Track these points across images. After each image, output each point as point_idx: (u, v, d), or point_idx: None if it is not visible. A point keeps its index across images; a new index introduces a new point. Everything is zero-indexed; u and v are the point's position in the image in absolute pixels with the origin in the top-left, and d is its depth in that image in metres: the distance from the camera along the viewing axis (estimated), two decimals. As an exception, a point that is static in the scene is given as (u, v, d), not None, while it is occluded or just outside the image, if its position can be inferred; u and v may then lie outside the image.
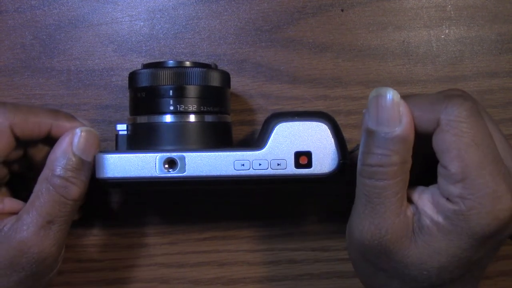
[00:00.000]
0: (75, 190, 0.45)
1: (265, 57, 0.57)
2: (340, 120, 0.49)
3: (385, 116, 0.41)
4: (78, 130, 0.46)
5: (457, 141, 0.40)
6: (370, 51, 0.57)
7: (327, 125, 0.46)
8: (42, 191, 0.45)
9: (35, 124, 0.47)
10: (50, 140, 0.48)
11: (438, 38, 0.57)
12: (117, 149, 0.49)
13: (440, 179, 0.42)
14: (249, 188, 0.56)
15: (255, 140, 0.50)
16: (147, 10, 0.57)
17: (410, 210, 0.43)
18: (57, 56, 0.56)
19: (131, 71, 0.50)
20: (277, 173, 0.46)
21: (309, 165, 0.46)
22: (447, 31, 0.57)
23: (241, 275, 0.57)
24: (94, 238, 0.56)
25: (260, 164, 0.46)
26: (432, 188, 0.43)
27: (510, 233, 0.42)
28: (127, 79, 0.50)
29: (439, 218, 0.41)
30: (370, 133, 0.42)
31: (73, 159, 0.45)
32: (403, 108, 0.41)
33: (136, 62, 0.56)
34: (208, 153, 0.46)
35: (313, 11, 0.57)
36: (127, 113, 0.50)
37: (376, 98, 0.42)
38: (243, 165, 0.46)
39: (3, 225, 0.45)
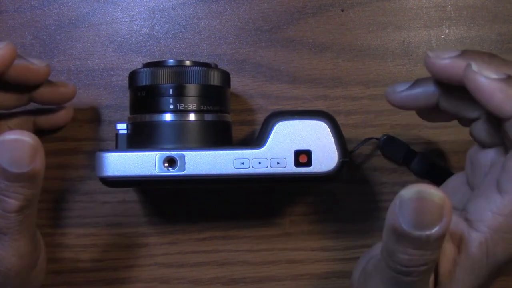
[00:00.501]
0: (13, 203, 0.41)
1: (265, 57, 0.57)
2: (340, 120, 0.49)
3: (426, 220, 0.36)
4: (2, 138, 0.40)
5: None
6: (370, 51, 0.57)
7: (327, 123, 0.46)
8: None
9: None
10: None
11: (438, 38, 0.57)
12: (117, 148, 0.49)
13: (481, 198, 0.40)
14: (249, 187, 0.56)
15: (255, 139, 0.50)
16: (147, 10, 0.57)
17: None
18: (57, 56, 0.56)
19: (131, 70, 0.50)
20: (276, 171, 0.46)
21: (308, 163, 0.46)
22: (447, 31, 0.57)
23: (241, 275, 0.57)
24: (94, 238, 0.56)
25: (260, 163, 0.46)
26: (452, 224, 0.38)
27: None
28: (127, 79, 0.50)
29: (461, 258, 0.39)
30: (403, 235, 0.36)
31: (2, 172, 0.40)
32: (446, 208, 0.36)
33: (136, 62, 0.56)
34: (208, 152, 0.46)
35: (313, 11, 0.57)
36: (127, 113, 0.50)
37: (416, 201, 0.36)
38: (242, 163, 0.46)
39: None
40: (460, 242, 0.39)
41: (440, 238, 0.36)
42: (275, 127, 0.46)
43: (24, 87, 0.49)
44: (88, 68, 0.56)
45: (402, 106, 0.46)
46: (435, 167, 0.54)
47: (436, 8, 0.57)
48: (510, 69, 0.40)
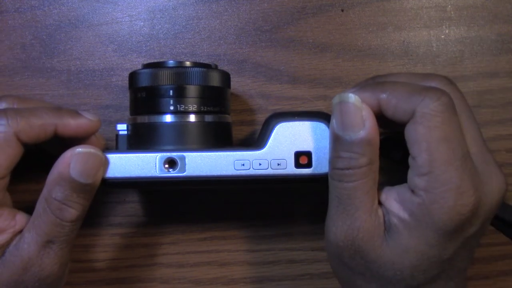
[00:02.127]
0: (72, 212, 0.44)
1: (265, 57, 0.57)
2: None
3: (348, 121, 0.43)
4: (78, 150, 0.44)
5: (428, 134, 0.41)
6: (370, 51, 0.57)
7: (327, 125, 0.46)
8: (40, 211, 0.45)
9: (40, 127, 0.46)
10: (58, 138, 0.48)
11: (438, 38, 0.57)
12: (117, 149, 0.49)
13: (409, 171, 0.43)
14: (249, 188, 0.56)
15: (255, 140, 0.50)
16: (147, 10, 0.57)
17: (381, 210, 0.44)
18: (57, 56, 0.56)
19: (131, 71, 0.50)
20: (277, 173, 0.46)
21: (309, 165, 0.46)
22: (447, 31, 0.57)
23: (241, 275, 0.57)
24: (94, 238, 0.56)
25: (260, 164, 0.46)
26: (399, 186, 0.44)
27: (475, 230, 0.43)
28: (127, 79, 0.50)
29: (405, 215, 0.42)
30: (336, 138, 0.43)
31: (70, 182, 0.44)
32: (365, 112, 0.43)
33: (136, 62, 0.56)
34: (208, 153, 0.46)
35: (313, 11, 0.57)
36: (127, 113, 0.50)
37: (339, 104, 0.43)
38: (243, 165, 0.46)
39: (11, 242, 0.45)
40: (404, 202, 0.43)
41: (365, 142, 0.42)
42: (275, 128, 0.46)
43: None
44: (88, 68, 0.56)
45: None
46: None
47: (436, 8, 0.57)
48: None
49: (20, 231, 0.46)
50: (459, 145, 0.41)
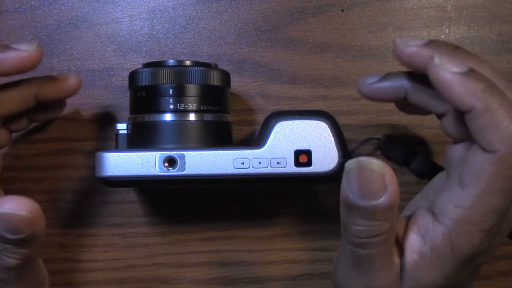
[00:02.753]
0: (10, 262, 0.41)
1: (265, 57, 0.57)
2: (340, 120, 0.49)
3: (370, 190, 0.38)
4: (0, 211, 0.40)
5: (493, 179, 0.38)
6: (370, 51, 0.57)
7: (327, 123, 0.46)
8: None
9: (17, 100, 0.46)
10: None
11: (438, 38, 0.57)
12: (117, 148, 0.49)
13: (446, 191, 0.41)
14: (249, 187, 0.56)
15: (255, 139, 0.50)
16: (147, 10, 0.57)
17: (397, 258, 0.41)
18: (57, 56, 0.56)
19: (131, 71, 0.50)
20: (277, 171, 0.46)
21: (309, 163, 0.46)
22: (447, 31, 0.57)
23: (241, 275, 0.57)
24: (94, 238, 0.56)
25: (260, 163, 0.46)
26: (416, 215, 0.42)
27: (487, 258, 0.42)
28: (127, 79, 0.50)
29: (426, 248, 0.40)
30: (352, 205, 0.39)
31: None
32: (389, 177, 0.38)
33: (136, 62, 0.56)
34: (208, 152, 0.46)
35: (313, 11, 0.57)
36: (127, 113, 0.50)
37: (357, 170, 0.38)
38: (243, 163, 0.46)
39: None
40: (425, 234, 0.40)
41: (388, 208, 0.38)
42: (275, 127, 0.46)
43: (24, 87, 0.48)
44: (88, 68, 0.56)
45: (372, 98, 0.45)
46: (435, 167, 0.54)
47: (436, 8, 0.57)
48: (473, 62, 0.41)
49: None
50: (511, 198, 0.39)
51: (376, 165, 0.38)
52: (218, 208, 0.57)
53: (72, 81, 0.50)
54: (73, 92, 0.50)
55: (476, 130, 0.38)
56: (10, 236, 0.40)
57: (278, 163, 0.46)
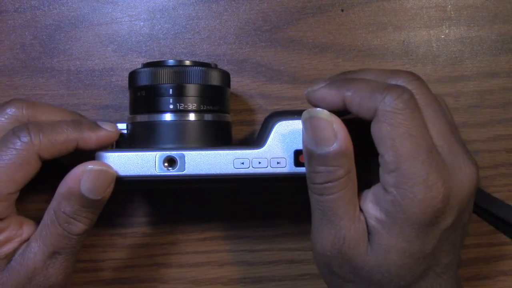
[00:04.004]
0: (80, 226, 0.45)
1: (265, 57, 0.57)
2: (340, 120, 0.49)
3: (321, 136, 0.42)
4: (89, 167, 0.44)
5: (391, 131, 0.41)
6: (370, 51, 0.57)
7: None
8: (48, 222, 0.45)
9: (62, 144, 0.46)
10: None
11: (438, 38, 0.57)
12: (117, 148, 0.49)
13: (380, 169, 0.43)
14: (249, 187, 0.56)
15: (255, 139, 0.50)
16: (147, 10, 0.57)
17: (362, 216, 0.44)
18: (57, 56, 0.56)
19: (131, 70, 0.50)
20: (276, 171, 0.46)
21: (309, 163, 0.46)
22: (447, 31, 0.57)
23: (241, 275, 0.57)
24: (94, 238, 0.56)
25: (259, 163, 0.46)
26: (373, 187, 0.44)
27: (451, 222, 0.43)
28: (127, 79, 0.50)
29: (381, 215, 0.43)
30: (310, 154, 0.43)
31: (79, 198, 0.44)
32: (336, 125, 0.43)
33: (136, 62, 0.56)
34: (208, 152, 0.46)
35: (313, 11, 0.57)
36: (127, 113, 0.50)
37: (309, 120, 0.43)
38: (242, 163, 0.46)
39: (17, 251, 0.45)
40: (379, 203, 0.43)
41: (340, 154, 0.42)
42: (275, 127, 0.46)
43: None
44: (88, 68, 0.56)
45: (315, 105, 0.47)
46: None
47: (436, 8, 0.57)
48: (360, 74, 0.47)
49: (27, 240, 0.46)
50: (423, 140, 0.42)
51: (323, 113, 0.43)
52: (218, 208, 0.57)
53: (114, 132, 0.49)
54: (111, 143, 0.50)
55: (357, 111, 0.43)
56: (91, 196, 0.44)
57: (278, 163, 0.46)
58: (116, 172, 0.45)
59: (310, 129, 0.43)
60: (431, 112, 0.44)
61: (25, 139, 0.45)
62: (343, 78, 0.47)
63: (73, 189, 0.44)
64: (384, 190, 0.43)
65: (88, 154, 0.48)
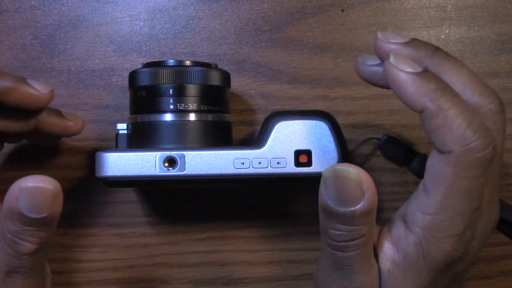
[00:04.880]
0: (27, 246, 0.41)
1: (265, 57, 0.57)
2: (340, 120, 0.49)
3: (347, 197, 0.39)
4: (23, 184, 0.40)
5: (453, 181, 0.38)
6: (370, 51, 0.56)
7: (327, 123, 0.46)
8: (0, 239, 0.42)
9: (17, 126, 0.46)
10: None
11: (438, 38, 0.57)
12: (117, 148, 0.49)
13: (413, 200, 0.41)
14: (249, 187, 0.56)
15: (255, 140, 0.50)
16: (147, 10, 0.57)
17: (376, 263, 0.42)
18: (57, 56, 0.56)
19: (131, 71, 0.50)
20: (277, 171, 0.46)
21: (309, 163, 0.46)
22: (447, 31, 0.57)
23: (241, 275, 0.57)
24: (94, 238, 0.56)
25: (260, 163, 0.46)
26: (391, 223, 0.42)
27: (466, 266, 0.42)
28: (127, 79, 0.50)
29: (399, 257, 0.41)
30: (331, 211, 0.39)
31: (21, 217, 0.40)
32: (366, 184, 0.39)
33: (136, 62, 0.56)
34: (208, 152, 0.46)
35: (313, 11, 0.57)
36: (127, 113, 0.50)
37: (334, 179, 0.39)
38: (243, 163, 0.46)
39: None
40: (398, 243, 0.41)
41: (365, 213, 0.39)
42: (275, 127, 0.46)
43: (27, 112, 0.47)
44: (88, 68, 0.56)
45: (368, 80, 0.45)
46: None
47: (436, 8, 0.57)
48: (450, 65, 0.41)
49: None
50: (478, 199, 0.39)
51: (353, 173, 0.39)
52: (218, 208, 0.57)
53: (76, 124, 0.49)
54: (73, 134, 0.50)
55: (430, 130, 0.38)
56: (32, 215, 0.40)
57: (278, 163, 0.46)
58: (57, 188, 0.41)
59: (333, 187, 0.39)
60: (495, 162, 0.40)
61: None
62: (439, 81, 0.39)
63: (12, 208, 0.40)
64: (406, 228, 0.41)
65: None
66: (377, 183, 0.55)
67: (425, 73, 0.39)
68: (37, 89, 0.46)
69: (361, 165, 0.55)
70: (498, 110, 0.40)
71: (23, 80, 0.46)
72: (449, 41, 0.57)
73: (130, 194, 0.56)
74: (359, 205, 0.39)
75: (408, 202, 0.43)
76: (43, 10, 0.56)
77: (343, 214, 0.39)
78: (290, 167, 0.46)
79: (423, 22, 0.57)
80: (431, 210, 0.39)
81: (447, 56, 0.42)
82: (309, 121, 0.46)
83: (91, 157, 0.54)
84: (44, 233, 0.42)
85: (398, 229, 0.41)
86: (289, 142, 0.46)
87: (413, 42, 0.42)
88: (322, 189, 0.40)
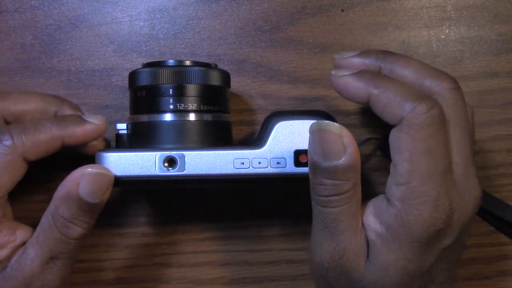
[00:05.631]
0: (78, 231, 0.44)
1: (265, 57, 0.57)
2: (340, 120, 0.49)
3: (329, 149, 0.41)
4: (88, 170, 0.44)
5: (411, 145, 0.41)
6: (370, 51, 0.57)
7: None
8: (45, 227, 0.44)
9: (47, 143, 0.45)
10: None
11: (438, 38, 0.57)
12: (117, 148, 0.49)
13: (389, 178, 0.43)
14: (249, 187, 0.56)
15: (255, 140, 0.50)
16: (147, 10, 0.57)
17: (363, 229, 0.43)
18: (57, 56, 0.56)
19: (131, 70, 0.50)
20: (276, 171, 0.46)
21: (309, 163, 0.46)
22: (447, 31, 0.57)
23: (241, 275, 0.57)
24: (94, 238, 0.56)
25: (259, 163, 0.46)
26: (375, 198, 0.44)
27: (450, 242, 0.43)
28: (127, 79, 0.50)
29: (382, 229, 0.42)
30: (317, 166, 0.42)
31: (78, 201, 0.43)
32: (347, 138, 0.41)
33: (136, 62, 0.56)
34: (208, 152, 0.46)
35: (313, 11, 0.57)
36: (127, 113, 0.50)
37: (318, 133, 0.42)
38: (242, 163, 0.46)
39: (13, 257, 0.45)
40: (380, 216, 0.43)
41: (348, 168, 0.41)
42: (275, 127, 0.46)
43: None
44: (88, 68, 0.56)
45: (337, 91, 0.46)
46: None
47: (436, 8, 0.57)
48: (400, 62, 0.46)
49: (21, 245, 0.45)
50: (441, 159, 0.41)
51: (334, 127, 0.42)
52: (218, 208, 0.57)
53: (101, 125, 0.48)
54: (99, 136, 0.49)
55: (380, 112, 0.42)
56: (90, 200, 0.43)
57: (278, 163, 0.46)
58: (114, 175, 0.45)
59: (318, 141, 0.42)
60: (459, 128, 0.43)
61: (7, 142, 0.44)
62: (374, 73, 0.45)
63: (71, 192, 0.43)
64: (387, 202, 0.42)
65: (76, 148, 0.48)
66: (377, 183, 0.55)
67: (361, 72, 0.44)
68: (94, 122, 0.47)
69: (361, 165, 0.55)
70: (452, 86, 0.44)
71: (81, 120, 0.47)
72: (449, 41, 0.57)
73: (130, 194, 0.56)
74: (341, 160, 0.41)
75: None
76: (43, 10, 0.56)
77: (327, 168, 0.41)
78: (290, 167, 0.46)
79: (423, 22, 0.57)
80: (402, 180, 0.41)
81: (396, 55, 0.47)
82: (309, 121, 0.46)
83: (91, 157, 0.54)
84: (92, 219, 0.45)
85: (381, 203, 0.43)
86: (289, 142, 0.46)
87: (363, 52, 0.47)
88: (309, 145, 0.42)
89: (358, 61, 0.46)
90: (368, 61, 0.46)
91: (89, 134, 0.47)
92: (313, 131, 0.42)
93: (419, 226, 0.41)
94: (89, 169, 0.44)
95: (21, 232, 0.46)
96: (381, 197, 0.44)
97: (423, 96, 0.41)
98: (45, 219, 0.44)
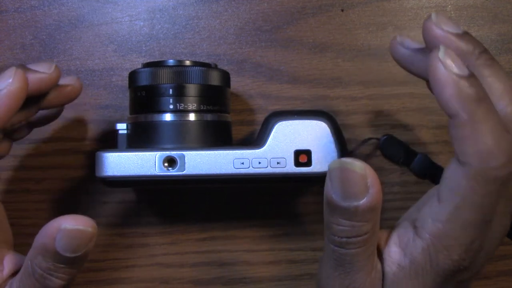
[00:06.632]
0: (56, 282, 0.41)
1: (265, 57, 0.57)
2: (340, 120, 0.49)
3: (351, 190, 0.38)
4: (64, 226, 0.40)
5: (469, 195, 0.37)
6: (370, 51, 0.57)
7: (326, 123, 0.46)
8: (29, 270, 0.41)
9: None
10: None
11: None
12: (117, 148, 0.49)
13: (425, 205, 0.40)
14: (249, 187, 0.56)
15: (255, 139, 0.50)
16: (147, 10, 0.57)
17: (379, 263, 0.41)
18: (57, 56, 0.56)
19: (131, 70, 0.50)
20: (276, 171, 0.46)
21: (308, 163, 0.46)
22: (447, 31, 0.57)
23: (241, 275, 0.57)
24: (94, 238, 0.56)
25: (259, 163, 0.46)
26: (398, 227, 0.42)
27: (472, 275, 0.41)
28: (127, 79, 0.50)
29: (406, 262, 0.40)
30: (335, 205, 0.39)
31: (55, 255, 0.40)
32: (371, 179, 0.38)
33: (136, 62, 0.56)
34: (208, 152, 0.46)
35: (313, 11, 0.57)
36: (127, 113, 0.50)
37: (339, 171, 0.38)
38: (242, 163, 0.46)
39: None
40: (406, 247, 0.40)
41: (369, 209, 0.38)
42: (275, 127, 0.46)
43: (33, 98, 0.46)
44: (88, 68, 0.56)
45: (401, 64, 0.44)
46: (435, 167, 0.54)
47: (436, 8, 0.57)
48: (491, 70, 0.40)
49: (11, 276, 0.44)
50: (489, 214, 0.38)
51: (358, 166, 0.38)
52: (218, 208, 0.57)
53: (74, 85, 0.48)
54: (75, 97, 0.48)
55: (455, 138, 0.37)
56: (68, 254, 0.40)
57: (278, 163, 0.46)
58: (94, 228, 0.41)
59: (338, 180, 0.38)
60: None
61: None
62: (478, 84, 0.37)
63: (47, 245, 0.40)
64: (415, 233, 0.40)
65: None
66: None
67: (469, 79, 0.37)
68: (43, 70, 0.45)
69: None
70: None
71: (24, 68, 0.44)
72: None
73: (130, 194, 0.56)
74: (362, 201, 0.38)
75: (418, 206, 0.43)
76: (43, 10, 0.56)
77: (346, 209, 0.38)
78: (290, 167, 0.46)
79: (423, 22, 0.57)
80: (442, 218, 0.38)
81: (492, 60, 0.41)
82: (309, 121, 0.46)
83: (91, 157, 0.54)
84: (74, 270, 0.42)
85: (407, 233, 0.41)
86: (289, 142, 0.46)
87: (465, 36, 0.41)
88: (327, 182, 0.39)
89: (457, 45, 0.40)
90: (466, 51, 0.40)
91: (35, 86, 0.44)
92: (333, 168, 0.39)
93: (446, 265, 0.39)
94: (65, 224, 0.40)
95: (9, 261, 0.44)
96: (405, 225, 0.41)
97: (508, 149, 0.36)
98: (26, 263, 0.42)
